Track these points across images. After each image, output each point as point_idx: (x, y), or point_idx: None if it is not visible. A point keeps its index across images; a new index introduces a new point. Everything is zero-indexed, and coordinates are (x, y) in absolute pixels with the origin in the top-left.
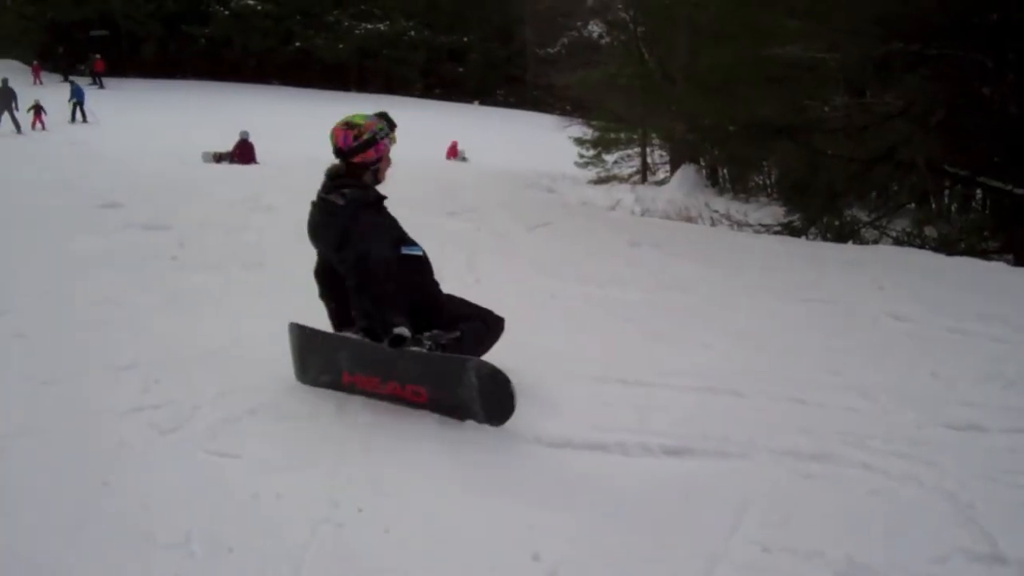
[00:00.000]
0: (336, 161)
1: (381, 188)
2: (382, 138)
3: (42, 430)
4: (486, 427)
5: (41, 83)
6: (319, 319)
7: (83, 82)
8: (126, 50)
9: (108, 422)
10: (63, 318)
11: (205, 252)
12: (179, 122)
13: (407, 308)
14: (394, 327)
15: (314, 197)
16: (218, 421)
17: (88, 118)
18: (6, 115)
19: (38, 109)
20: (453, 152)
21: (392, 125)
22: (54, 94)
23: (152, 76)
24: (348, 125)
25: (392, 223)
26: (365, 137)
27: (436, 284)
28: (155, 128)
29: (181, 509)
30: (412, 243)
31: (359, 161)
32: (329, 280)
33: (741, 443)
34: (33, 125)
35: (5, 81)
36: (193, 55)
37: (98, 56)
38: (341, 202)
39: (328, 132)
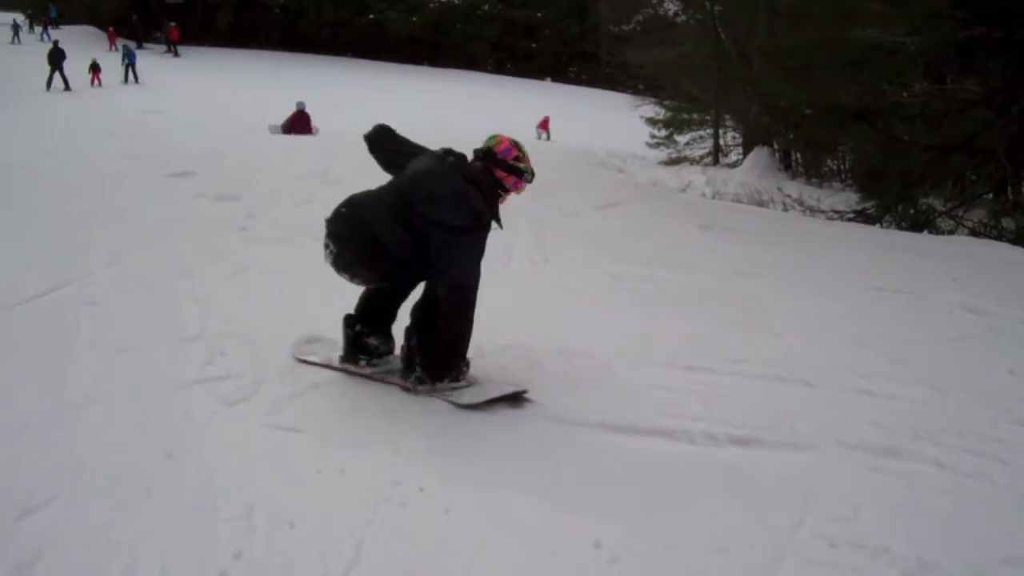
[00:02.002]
0: (475, 162)
1: None
2: (526, 180)
3: (110, 399)
4: (549, 410)
5: (116, 49)
6: None
7: (159, 49)
8: (201, 19)
9: (174, 393)
10: (133, 287)
11: (274, 224)
12: (251, 92)
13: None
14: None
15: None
16: (282, 395)
17: (139, 79)
18: (57, 74)
19: (95, 67)
20: (544, 126)
21: (532, 178)
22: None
23: (226, 45)
24: (518, 146)
25: (480, 258)
26: (520, 166)
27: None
28: (227, 97)
29: (244, 482)
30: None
31: (497, 175)
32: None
33: (810, 434)
34: (92, 82)
35: (56, 43)
36: (267, 25)
37: (173, 24)
38: (473, 197)
39: (498, 139)
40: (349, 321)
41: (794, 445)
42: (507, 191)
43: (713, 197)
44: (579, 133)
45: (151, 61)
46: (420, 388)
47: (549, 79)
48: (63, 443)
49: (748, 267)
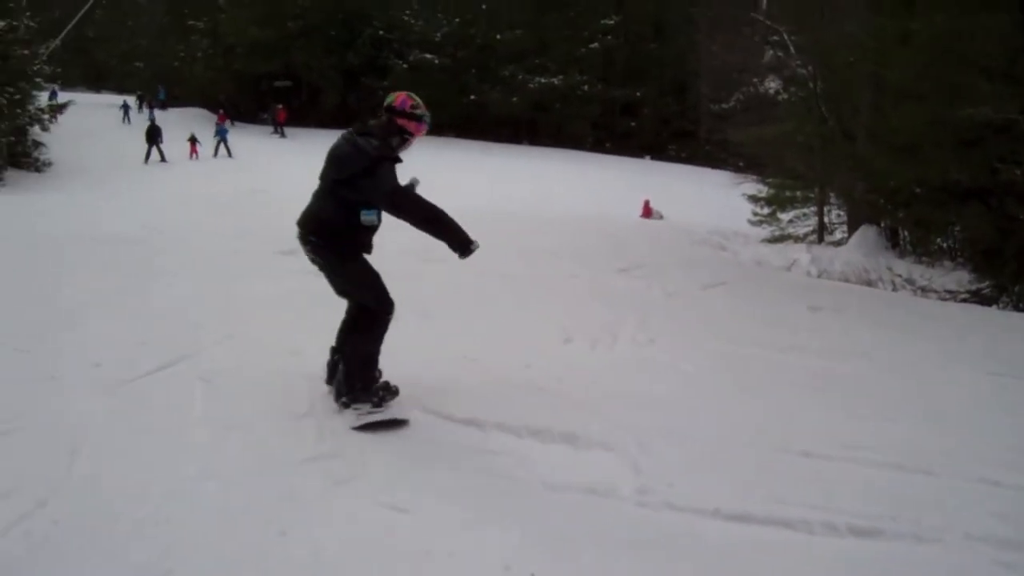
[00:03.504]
0: (381, 116)
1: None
2: (425, 122)
3: (224, 475)
4: (663, 496)
5: (229, 132)
6: (488, 368)
7: (267, 130)
8: (307, 101)
9: (285, 470)
10: (244, 363)
11: None
12: None
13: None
14: (469, 240)
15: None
16: (392, 474)
17: (231, 153)
18: (154, 149)
19: (193, 141)
20: (647, 212)
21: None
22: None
23: (331, 126)
24: (411, 96)
25: (396, 178)
26: (418, 112)
27: (368, 243)
28: None
29: (354, 563)
30: (378, 208)
31: (400, 124)
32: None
33: (934, 526)
34: (190, 155)
35: (152, 121)
36: (371, 106)
37: (280, 106)
38: (371, 151)
39: (395, 96)
40: (332, 352)
41: (918, 537)
42: (412, 135)
43: (819, 276)
44: (679, 210)
45: (257, 141)
46: (343, 405)
47: (648, 157)
48: (179, 518)
49: (859, 349)
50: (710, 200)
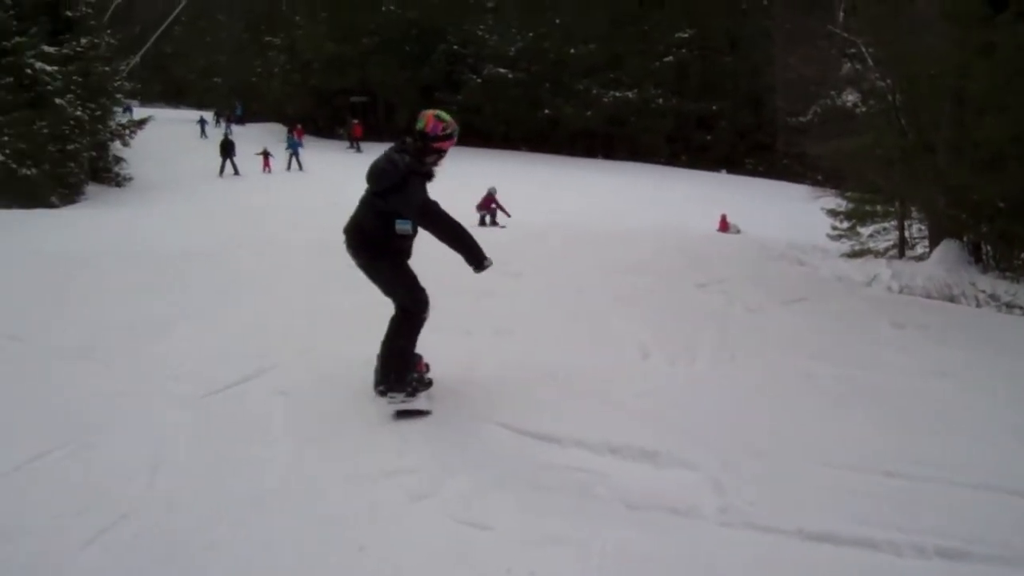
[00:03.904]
0: (412, 136)
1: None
2: (455, 136)
3: (303, 489)
4: (746, 515)
5: (302, 146)
6: (567, 383)
7: (342, 145)
8: (383, 116)
9: (364, 484)
10: (322, 377)
11: (455, 316)
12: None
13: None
14: (484, 255)
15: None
16: (470, 489)
17: (303, 167)
18: (228, 162)
19: (266, 155)
20: (724, 226)
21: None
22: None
23: None
24: (439, 118)
25: (425, 193)
26: (448, 132)
27: (407, 249)
28: None
29: None
30: (409, 218)
31: (435, 147)
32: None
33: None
34: (263, 168)
35: (226, 135)
36: None
37: (356, 121)
38: (403, 166)
39: (426, 120)
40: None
41: (1007, 560)
42: (444, 152)
43: (900, 292)
44: (757, 224)
45: (333, 155)
46: (380, 393)
47: (724, 170)
48: (258, 531)
49: (944, 367)
50: (788, 214)
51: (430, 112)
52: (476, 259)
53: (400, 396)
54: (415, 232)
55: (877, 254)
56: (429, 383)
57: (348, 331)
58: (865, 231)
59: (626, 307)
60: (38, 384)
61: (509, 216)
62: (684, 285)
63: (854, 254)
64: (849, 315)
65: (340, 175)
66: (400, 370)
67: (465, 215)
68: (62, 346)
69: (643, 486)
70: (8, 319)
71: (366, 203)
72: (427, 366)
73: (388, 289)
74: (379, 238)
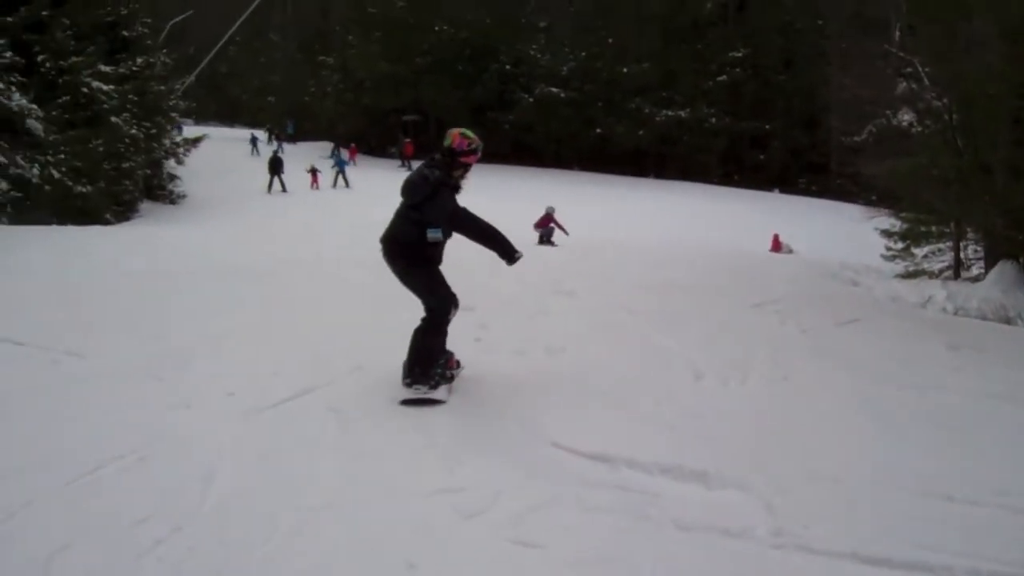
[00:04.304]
0: (441, 153)
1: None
2: (479, 152)
3: (353, 506)
4: (798, 538)
5: (355, 164)
6: (618, 403)
7: (394, 163)
8: (434, 135)
9: (414, 502)
10: (372, 395)
11: (508, 335)
12: (482, 203)
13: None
14: (515, 249)
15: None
16: (521, 507)
17: (348, 183)
18: (276, 179)
19: (314, 172)
20: (777, 246)
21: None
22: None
23: None
24: (464, 135)
25: (455, 202)
26: (472, 147)
27: (438, 256)
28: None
29: None
30: (440, 226)
31: (462, 161)
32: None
33: None
34: (311, 185)
35: (275, 152)
36: (497, 139)
37: (408, 140)
38: (433, 180)
39: (452, 137)
40: None
41: None
42: (470, 165)
43: (955, 313)
44: (810, 244)
45: (384, 173)
46: (406, 385)
47: (777, 190)
48: (308, 549)
49: (1002, 390)
50: (841, 234)
51: (456, 130)
52: (508, 253)
53: (424, 388)
54: (445, 239)
55: (932, 275)
56: (451, 378)
57: (398, 349)
58: (920, 252)
59: (678, 326)
60: (95, 399)
61: (567, 235)
62: (737, 305)
63: (908, 275)
64: (904, 336)
65: (390, 193)
66: (425, 366)
67: (519, 232)
68: (119, 361)
69: (695, 507)
70: (67, 335)
71: (401, 215)
72: (458, 363)
73: (419, 292)
74: (413, 246)
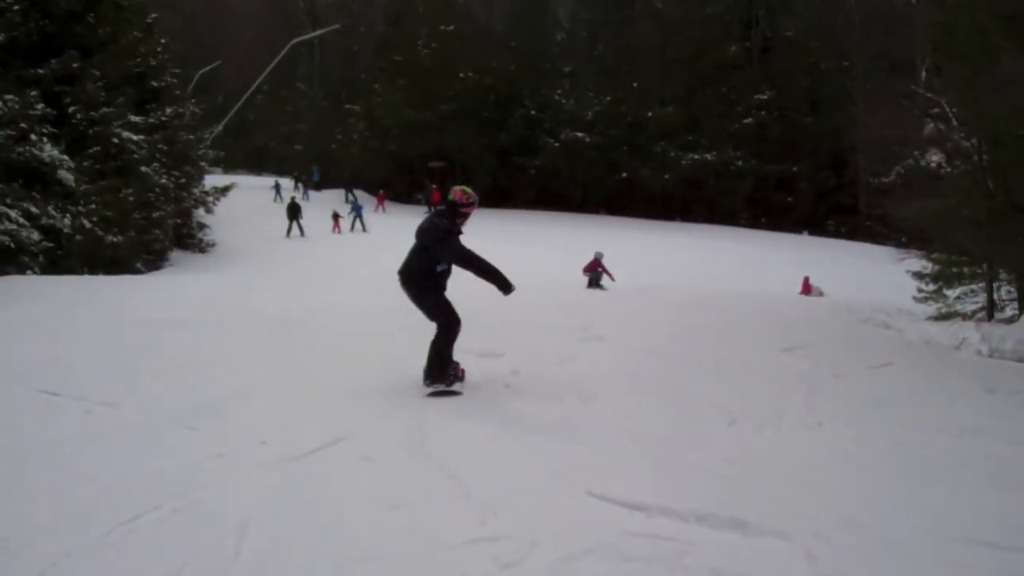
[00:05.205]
0: (446, 205)
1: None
2: (475, 203)
3: (389, 556)
4: None
5: (384, 210)
6: (652, 450)
7: (420, 210)
8: (460, 181)
9: (450, 552)
10: (405, 442)
11: (537, 381)
12: (507, 249)
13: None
14: (509, 283)
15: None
16: (557, 558)
17: (365, 228)
18: (295, 225)
19: (336, 217)
20: (807, 288)
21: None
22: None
23: (484, 205)
24: (464, 191)
25: (460, 244)
26: (471, 200)
27: (444, 284)
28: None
29: None
30: (444, 262)
31: (464, 211)
32: (410, 256)
33: None
34: (333, 230)
35: (293, 198)
36: (522, 185)
37: (434, 186)
38: (443, 227)
39: (455, 193)
40: None
41: None
42: (469, 214)
43: (990, 355)
44: (840, 287)
45: (411, 219)
46: (427, 385)
47: (806, 232)
48: None
49: None
50: (872, 276)
51: (458, 188)
52: (503, 286)
53: (442, 385)
54: (449, 271)
55: (965, 317)
56: (462, 376)
57: (426, 400)
58: (952, 293)
59: (710, 371)
60: (130, 449)
61: (613, 280)
62: (768, 349)
63: (941, 317)
64: (939, 380)
65: (400, 239)
66: (442, 368)
67: (558, 274)
68: (152, 411)
69: (733, 556)
70: (100, 385)
71: (416, 252)
72: (463, 371)
73: (431, 312)
74: (425, 276)
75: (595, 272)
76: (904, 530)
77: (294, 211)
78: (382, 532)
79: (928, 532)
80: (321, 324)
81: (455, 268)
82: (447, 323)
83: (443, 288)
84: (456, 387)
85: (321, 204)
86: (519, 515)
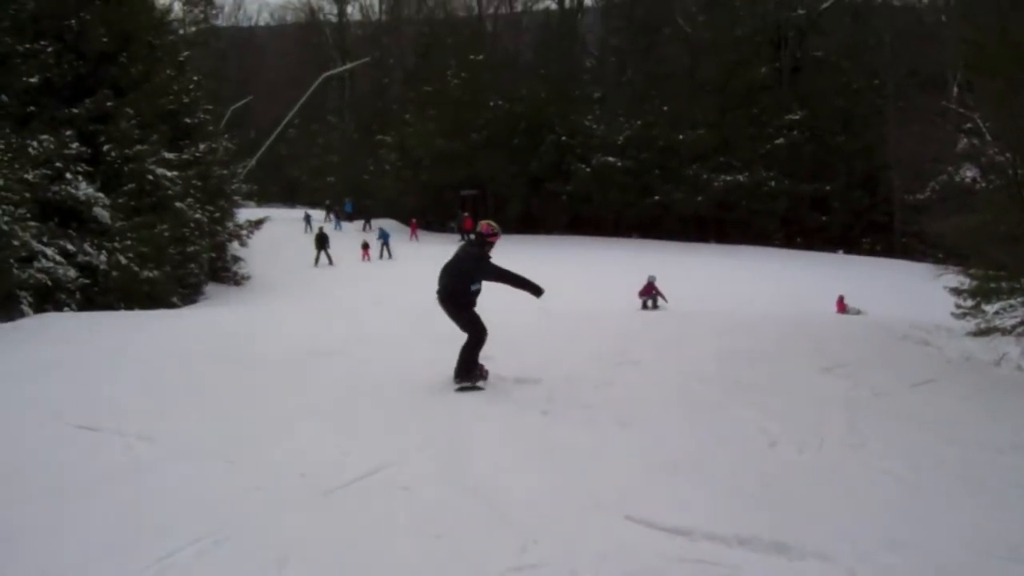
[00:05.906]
0: (475, 236)
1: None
2: (499, 234)
3: None
4: None
5: (417, 239)
6: (692, 474)
7: (453, 238)
8: (493, 208)
9: None
10: (444, 472)
11: (574, 407)
12: (543, 275)
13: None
14: (539, 287)
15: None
16: None
17: (392, 255)
18: (323, 254)
19: (365, 247)
20: (841, 307)
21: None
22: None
23: (516, 232)
24: (490, 225)
25: (492, 264)
26: (495, 231)
27: (476, 302)
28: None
29: None
30: (478, 281)
31: (490, 240)
32: (444, 279)
33: None
34: (362, 258)
35: (321, 229)
36: (555, 211)
37: (467, 215)
38: (476, 254)
39: (482, 226)
40: None
41: None
42: (494, 243)
43: None
44: (877, 305)
45: (443, 248)
46: (456, 382)
47: (841, 251)
48: None
49: None
50: (908, 293)
51: (484, 222)
52: (535, 291)
53: (467, 383)
54: (479, 289)
55: (1004, 332)
56: (485, 376)
57: (465, 425)
58: (990, 308)
59: (749, 394)
60: (168, 483)
61: (666, 301)
62: (806, 369)
63: (980, 332)
64: (980, 396)
65: (424, 268)
66: (468, 369)
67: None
68: (191, 445)
69: None
70: (138, 419)
71: (453, 275)
72: (487, 371)
73: (463, 325)
74: (461, 295)
75: (650, 295)
76: (948, 550)
77: (322, 241)
78: (425, 562)
79: (973, 551)
80: (355, 354)
81: (483, 288)
82: (476, 333)
83: (474, 304)
84: (480, 383)
85: (353, 234)
86: (560, 542)
